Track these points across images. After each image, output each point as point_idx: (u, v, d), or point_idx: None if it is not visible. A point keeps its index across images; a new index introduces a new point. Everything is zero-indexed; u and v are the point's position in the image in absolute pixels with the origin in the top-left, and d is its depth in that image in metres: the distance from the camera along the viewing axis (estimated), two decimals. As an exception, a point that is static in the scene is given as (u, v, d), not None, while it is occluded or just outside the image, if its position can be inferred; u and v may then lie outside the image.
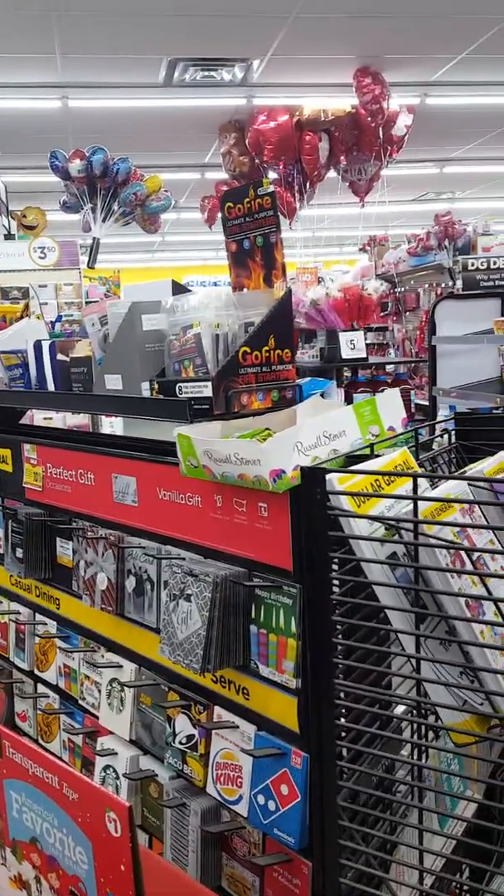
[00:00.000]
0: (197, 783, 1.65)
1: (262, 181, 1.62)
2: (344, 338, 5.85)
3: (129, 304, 1.71)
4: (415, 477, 1.02)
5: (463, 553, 1.07)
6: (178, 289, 1.82)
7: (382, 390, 6.22)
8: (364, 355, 5.90)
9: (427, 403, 5.05)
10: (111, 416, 3.72)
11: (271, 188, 1.61)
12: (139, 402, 1.73)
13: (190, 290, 1.79)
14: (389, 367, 6.68)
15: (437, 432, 1.54)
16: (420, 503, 1.06)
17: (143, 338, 1.70)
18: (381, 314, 8.84)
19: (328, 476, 1.05)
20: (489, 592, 1.01)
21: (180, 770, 1.69)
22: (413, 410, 6.28)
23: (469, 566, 1.07)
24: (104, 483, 1.92)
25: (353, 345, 5.93)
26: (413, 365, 7.41)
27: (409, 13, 5.33)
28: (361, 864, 1.11)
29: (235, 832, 1.60)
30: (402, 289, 8.95)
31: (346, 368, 6.19)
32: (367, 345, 7.06)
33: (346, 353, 5.84)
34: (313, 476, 1.02)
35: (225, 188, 8.30)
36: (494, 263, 6.30)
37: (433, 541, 0.99)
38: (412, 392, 6.41)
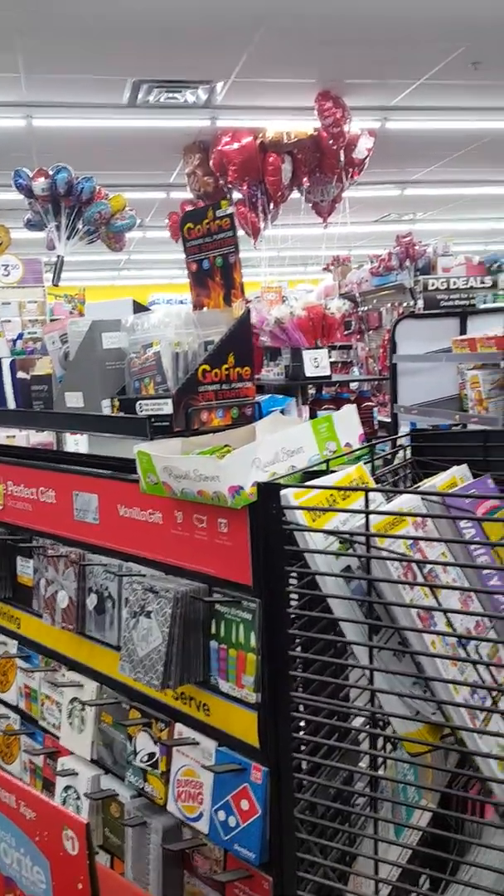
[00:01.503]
0: (158, 801, 1.65)
1: (220, 203, 1.66)
2: (308, 356, 5.91)
3: (90, 322, 1.72)
4: (366, 491, 1.05)
5: (415, 565, 1.10)
6: (139, 308, 1.84)
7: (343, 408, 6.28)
8: (328, 373, 5.97)
9: (389, 420, 5.12)
10: (74, 434, 3.71)
11: (230, 210, 1.64)
12: (100, 419, 1.74)
13: (150, 310, 1.81)
14: (353, 385, 6.76)
15: (392, 448, 1.57)
16: (373, 517, 1.09)
17: (103, 356, 1.71)
18: (345, 332, 8.97)
19: (284, 491, 1.07)
20: (439, 604, 1.04)
21: (141, 788, 1.69)
22: (376, 427, 6.35)
23: (421, 578, 1.09)
24: (65, 501, 1.92)
25: (316, 363, 6.00)
26: (376, 382, 7.51)
27: (368, 39, 5.46)
28: (320, 877, 1.12)
29: (197, 849, 1.59)
30: (365, 308, 9.09)
31: (310, 386, 6.25)
32: (331, 363, 7.15)
33: (309, 370, 5.90)
34: (269, 491, 1.04)
35: (190, 207, 8.36)
36: (454, 283, 6.45)
37: (384, 553, 1.01)
38: (375, 409, 6.49)
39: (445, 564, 1.09)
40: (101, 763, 1.85)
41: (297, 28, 5.22)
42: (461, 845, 1.14)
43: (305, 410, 6.02)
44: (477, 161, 8.61)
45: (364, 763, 1.30)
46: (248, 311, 1.69)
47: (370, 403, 6.49)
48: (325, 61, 5.87)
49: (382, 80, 6.29)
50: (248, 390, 1.70)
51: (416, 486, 1.43)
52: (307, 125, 6.74)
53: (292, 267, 12.50)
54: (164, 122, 6.86)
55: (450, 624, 1.03)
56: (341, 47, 5.59)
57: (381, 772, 1.27)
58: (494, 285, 6.63)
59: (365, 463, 1.45)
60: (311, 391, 6.30)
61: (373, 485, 1.29)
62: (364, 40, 5.47)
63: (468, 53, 5.77)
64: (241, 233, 7.52)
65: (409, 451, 1.63)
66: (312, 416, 5.93)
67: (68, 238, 6.05)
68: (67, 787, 1.89)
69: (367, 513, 1.03)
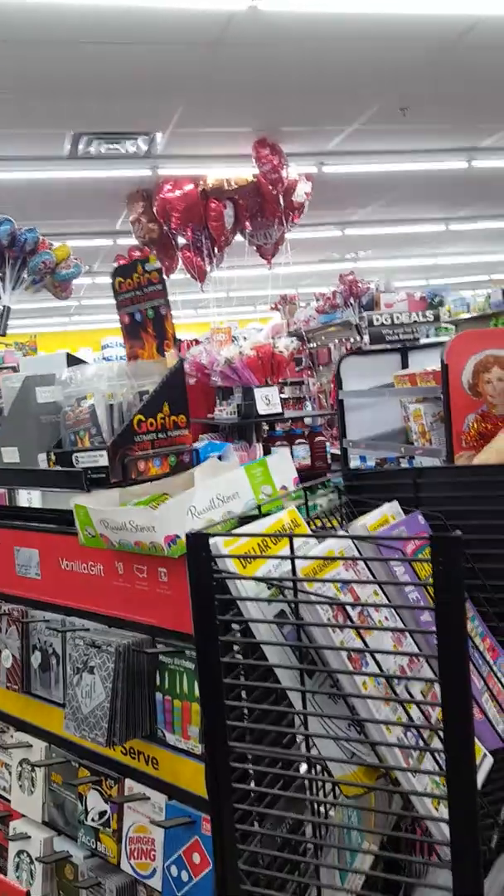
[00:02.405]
0: (111, 860, 1.62)
1: (149, 258, 1.69)
2: (259, 394, 5.98)
3: (23, 377, 1.73)
4: (290, 537, 1.06)
5: (348, 607, 1.11)
6: (73, 361, 1.85)
7: (299, 443, 6.32)
8: (279, 410, 6.04)
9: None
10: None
11: (157, 264, 1.68)
12: (37, 473, 1.74)
13: (84, 362, 1.83)
14: (306, 420, 6.84)
15: (327, 490, 1.60)
16: (302, 561, 1.10)
17: (38, 410, 1.71)
18: (297, 369, 9.10)
19: (213, 540, 1.09)
20: (366, 644, 1.05)
21: (94, 848, 1.65)
22: (329, 461, 6.42)
23: (355, 619, 1.11)
24: (7, 556, 1.90)
25: (268, 400, 6.07)
26: (328, 417, 7.61)
27: (299, 89, 5.66)
28: (270, 929, 1.11)
29: (151, 909, 1.56)
30: (315, 344, 9.25)
31: (263, 423, 6.31)
32: (283, 399, 7.24)
33: (262, 408, 5.96)
34: (197, 541, 1.06)
35: (137, 254, 8.44)
36: (398, 318, 6.60)
37: (312, 598, 1.03)
38: (327, 443, 6.57)
39: (369, 605, 1.11)
40: (53, 824, 1.80)
41: (229, 79, 5.38)
42: (408, 886, 1.14)
43: (259, 448, 6.07)
44: (412, 201, 8.91)
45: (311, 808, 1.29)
46: (181, 361, 1.71)
47: (323, 438, 6.58)
48: (259, 111, 6.05)
49: (316, 127, 6.50)
50: (185, 438, 1.72)
51: (349, 525, 1.45)
52: (247, 172, 6.90)
53: (241, 307, 12.67)
54: (105, 172, 6.95)
55: (378, 664, 1.04)
56: (274, 97, 5.78)
57: (330, 815, 1.27)
58: (436, 318, 6.81)
59: (299, 506, 1.47)
60: (265, 428, 6.36)
61: (305, 528, 1.31)
62: (296, 89, 5.66)
63: (396, 100, 6.01)
64: (186, 276, 7.62)
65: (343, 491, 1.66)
66: (266, 452, 5.98)
67: (13, 288, 6.04)
68: (20, 852, 1.84)
69: (293, 558, 1.05)
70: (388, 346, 5.16)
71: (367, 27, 4.77)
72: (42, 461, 1.71)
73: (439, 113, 6.39)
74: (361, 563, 1.23)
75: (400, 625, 1.19)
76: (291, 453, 6.06)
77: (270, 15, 4.47)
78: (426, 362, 4.00)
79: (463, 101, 6.21)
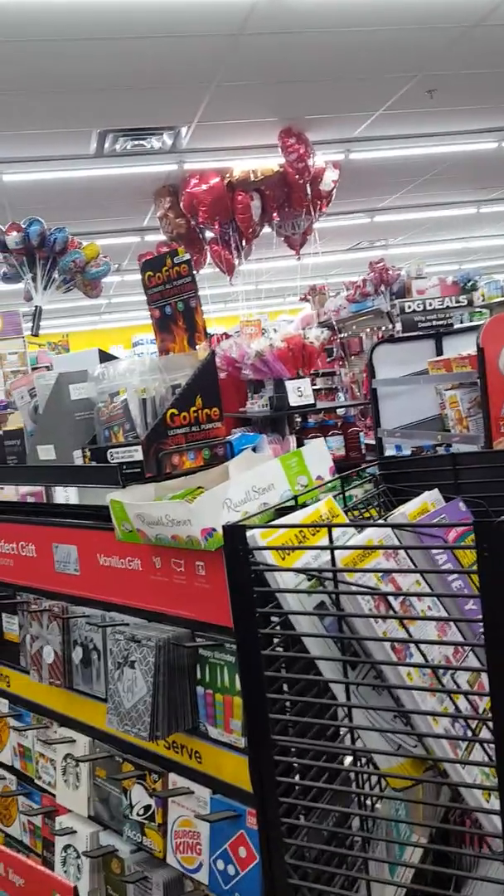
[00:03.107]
0: (157, 854, 1.62)
1: (178, 250, 1.68)
2: (291, 386, 5.94)
3: (56, 374, 1.74)
4: (329, 527, 1.05)
5: (390, 597, 1.09)
6: (106, 357, 1.85)
7: (333, 434, 6.29)
8: (312, 401, 5.99)
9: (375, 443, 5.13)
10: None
11: (187, 256, 1.67)
12: (72, 470, 1.74)
13: (117, 358, 1.83)
14: (339, 411, 6.79)
15: (364, 479, 1.58)
16: (343, 551, 1.09)
17: (71, 407, 1.72)
18: (328, 360, 9.04)
19: (250, 532, 1.07)
20: (410, 634, 1.03)
21: (140, 843, 1.66)
22: (363, 451, 6.37)
23: (397, 609, 1.09)
24: (46, 553, 1.91)
25: (300, 392, 6.03)
26: (361, 407, 7.54)
27: (324, 76, 5.60)
28: (319, 923, 1.09)
29: (199, 902, 1.56)
30: (346, 334, 9.17)
31: (296, 415, 6.27)
32: (315, 390, 7.18)
33: (294, 400, 5.93)
34: (234, 533, 1.04)
35: (166, 249, 8.47)
36: (430, 305, 6.52)
37: (353, 588, 1.01)
38: (361, 433, 6.51)
39: (410, 595, 1.08)
40: (99, 819, 1.81)
41: (253, 69, 5.34)
42: (459, 878, 1.12)
43: (293, 440, 6.04)
44: (441, 184, 8.77)
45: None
46: (212, 353, 1.70)
47: (356, 428, 6.52)
48: (283, 99, 6.00)
49: (342, 114, 6.43)
50: (219, 430, 1.71)
51: (388, 514, 1.43)
52: (273, 162, 6.86)
53: (271, 299, 12.63)
54: (132, 168, 6.97)
55: (423, 654, 1.02)
56: (298, 85, 5.73)
57: (376, 808, 1.25)
58: (470, 303, 6.71)
59: (336, 496, 1.45)
60: (298, 420, 6.33)
61: (343, 518, 1.29)
62: (320, 76, 5.60)
63: (422, 82, 5.91)
64: (216, 270, 7.61)
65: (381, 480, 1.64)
66: (300, 444, 5.95)
67: (45, 288, 6.09)
68: (67, 847, 1.85)
69: (332, 548, 1.03)
70: (421, 333, 5.09)
71: (390, 10, 4.69)
72: (77, 458, 1.71)
73: (467, 94, 6.27)
74: (402, 553, 1.20)
75: (443, 614, 1.17)
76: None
77: (292, 2, 4.42)
78: (461, 348, 3.93)
79: (490, 81, 6.08)
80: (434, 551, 1.22)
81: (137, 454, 1.58)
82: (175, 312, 1.75)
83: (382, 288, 7.67)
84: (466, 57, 5.55)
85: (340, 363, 9.21)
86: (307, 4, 4.49)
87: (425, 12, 4.78)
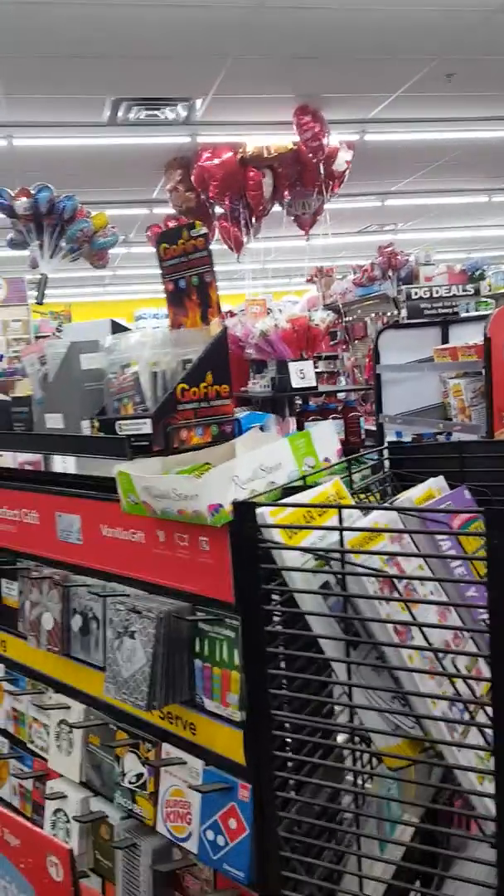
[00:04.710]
0: (147, 822, 1.64)
1: (194, 223, 1.67)
2: (293, 367, 5.93)
3: (68, 343, 1.73)
4: (339, 508, 1.05)
5: (394, 580, 1.10)
6: (118, 328, 1.85)
7: (333, 417, 6.29)
8: (314, 384, 5.99)
9: (375, 429, 5.14)
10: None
11: (204, 230, 1.66)
12: (79, 440, 1.74)
13: (129, 330, 1.82)
14: (340, 395, 6.78)
15: (369, 463, 1.58)
16: (349, 533, 1.10)
17: (82, 376, 1.72)
18: (331, 343, 9.01)
19: (260, 510, 1.08)
20: (413, 617, 1.04)
21: (130, 810, 1.68)
22: (363, 437, 6.37)
23: (399, 592, 1.10)
24: (48, 522, 1.92)
25: (302, 374, 6.02)
26: (362, 392, 7.54)
27: (343, 55, 5.53)
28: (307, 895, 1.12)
29: (187, 870, 1.59)
30: (350, 318, 9.14)
31: (296, 397, 6.27)
32: (317, 373, 7.17)
33: (296, 382, 5.92)
34: (244, 510, 1.05)
35: (173, 223, 8.41)
36: (437, 292, 6.49)
37: (358, 569, 1.02)
38: (361, 418, 6.51)
39: (417, 578, 1.09)
40: (90, 785, 1.84)
41: (272, 43, 5.28)
42: (447, 859, 1.14)
43: (292, 422, 6.04)
44: (454, 171, 8.71)
45: (349, 779, 1.30)
46: (224, 329, 1.70)
47: (357, 413, 6.52)
48: (301, 76, 5.93)
49: (359, 94, 6.37)
50: (227, 407, 1.71)
51: (392, 499, 1.44)
52: (287, 139, 6.79)
53: (277, 279, 12.57)
54: (144, 139, 6.90)
55: (426, 637, 1.03)
56: (317, 62, 5.66)
57: (367, 787, 1.28)
58: (477, 293, 6.69)
59: (342, 478, 1.46)
60: (298, 402, 6.33)
61: (349, 500, 1.30)
62: (339, 54, 5.54)
63: (442, 65, 5.85)
64: (224, 246, 7.57)
65: (387, 464, 1.64)
66: (300, 427, 5.95)
67: (51, 256, 6.07)
68: (57, 811, 1.88)
69: (341, 529, 1.04)
70: (427, 321, 5.08)
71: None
72: (86, 428, 1.71)
73: (486, 80, 6.21)
74: (407, 537, 1.21)
75: (444, 599, 1.18)
76: (325, 427, 6.00)
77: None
78: (466, 337, 3.93)
79: (511, 67, 6.02)
80: (438, 537, 1.23)
81: (146, 427, 1.58)
82: (189, 286, 1.74)
83: (390, 273, 7.65)
84: (487, 43, 5.49)
85: (344, 347, 9.19)
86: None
87: (450, -6, 4.72)
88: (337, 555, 1.05)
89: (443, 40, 5.40)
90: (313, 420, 6.21)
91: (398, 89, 6.28)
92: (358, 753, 1.21)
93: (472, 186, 9.65)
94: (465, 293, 6.44)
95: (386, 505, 1.23)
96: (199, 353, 1.66)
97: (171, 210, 8.20)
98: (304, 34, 5.17)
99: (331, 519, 1.21)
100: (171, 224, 8.45)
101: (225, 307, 8.60)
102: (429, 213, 10.85)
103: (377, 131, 7.09)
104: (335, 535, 1.13)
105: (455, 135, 7.30)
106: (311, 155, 6.66)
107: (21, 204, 5.71)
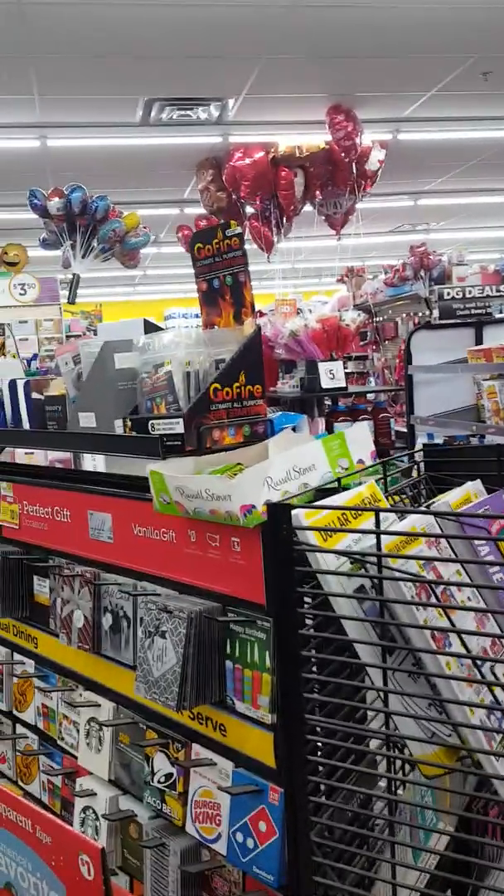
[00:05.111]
0: (176, 822, 1.64)
1: (230, 223, 1.66)
2: (323, 368, 5.90)
3: (102, 343, 1.74)
4: (377, 511, 1.04)
5: (428, 585, 1.09)
6: (151, 327, 1.85)
7: (363, 418, 6.25)
8: (343, 385, 5.95)
9: (406, 431, 5.10)
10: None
11: (239, 229, 1.65)
12: (112, 439, 1.75)
13: (162, 329, 1.82)
14: (370, 396, 6.73)
15: (406, 465, 1.56)
16: (385, 537, 1.08)
17: (115, 376, 1.72)
18: (361, 343, 8.96)
19: (295, 511, 1.07)
20: (452, 624, 1.02)
21: (159, 809, 1.68)
22: (393, 438, 6.32)
23: (435, 598, 1.08)
24: (80, 520, 1.93)
25: (332, 374, 5.98)
26: (393, 393, 7.48)
27: (378, 52, 5.49)
28: (338, 901, 1.11)
29: (215, 871, 1.58)
30: (381, 318, 9.08)
31: (326, 398, 6.23)
32: (347, 374, 7.13)
33: (325, 382, 5.89)
34: (279, 512, 1.04)
35: (204, 223, 8.42)
36: (469, 293, 6.41)
37: (396, 574, 1.00)
38: (392, 420, 6.45)
39: (456, 585, 1.07)
40: (119, 783, 1.84)
41: (306, 42, 5.25)
42: (481, 869, 1.12)
43: (322, 423, 6.01)
44: (489, 170, 8.60)
45: (383, 784, 1.28)
46: (258, 329, 1.69)
47: (387, 414, 6.47)
48: (334, 75, 5.90)
49: (393, 92, 6.31)
50: (260, 408, 1.70)
51: (429, 502, 1.42)
52: (319, 139, 6.76)
53: (307, 279, 12.52)
54: (176, 139, 6.92)
55: (463, 644, 1.01)
56: (351, 61, 5.62)
57: (399, 794, 1.26)
58: (510, 293, 6.57)
59: (377, 480, 1.44)
60: (328, 403, 6.30)
61: (385, 503, 1.28)
62: (373, 53, 5.50)
63: (478, 64, 5.78)
64: (254, 246, 7.56)
65: (422, 467, 1.62)
66: (329, 428, 5.92)
67: (83, 256, 6.10)
68: (86, 808, 1.89)
69: (378, 533, 1.02)
70: (460, 321, 5.01)
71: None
72: (118, 427, 1.72)
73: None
74: (444, 542, 1.19)
75: (482, 605, 1.16)
76: (355, 428, 5.96)
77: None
78: (500, 338, 3.87)
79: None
80: (476, 543, 1.21)
81: (179, 427, 1.58)
82: (223, 286, 1.73)
83: (422, 273, 7.57)
84: (525, 39, 5.41)
85: (374, 347, 9.13)
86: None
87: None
88: (373, 559, 1.03)
89: (478, 38, 5.33)
90: (343, 421, 6.17)
91: (433, 88, 6.22)
92: (391, 759, 1.19)
93: (505, 185, 9.53)
94: (498, 294, 6.35)
95: (422, 509, 1.21)
96: (232, 352, 1.66)
97: (201, 210, 8.21)
98: (337, 33, 5.14)
99: (366, 522, 1.20)
100: (203, 224, 8.47)
101: (256, 306, 8.60)
102: (462, 213, 10.73)
103: (411, 130, 7.03)
104: (370, 539, 1.12)
105: (491, 133, 7.21)
106: (343, 154, 6.63)
107: (54, 204, 5.74)
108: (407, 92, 6.32)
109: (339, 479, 1.33)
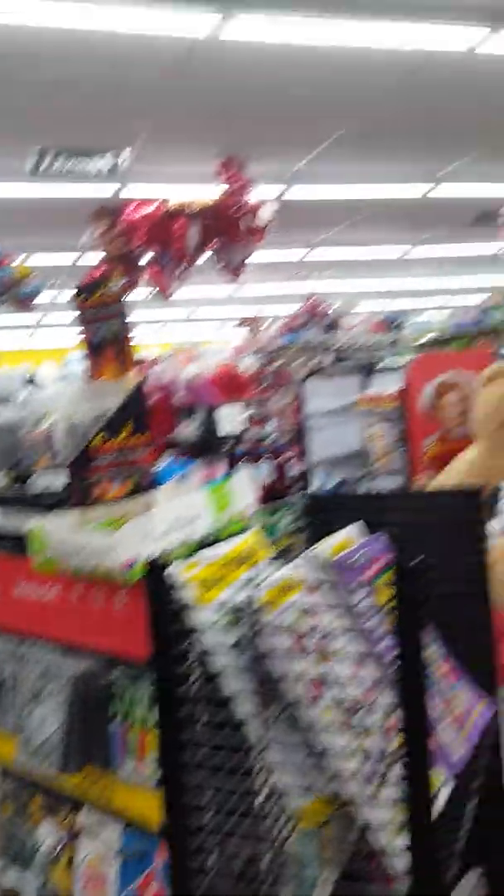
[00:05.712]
0: (63, 895, 1.57)
1: (111, 277, 1.68)
2: (222, 413, 5.97)
3: (-20, 397, 1.70)
4: (246, 564, 1.06)
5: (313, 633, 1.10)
6: (34, 380, 1.82)
7: (266, 459, 6.29)
8: (242, 429, 6.03)
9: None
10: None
11: (120, 283, 1.67)
12: (-8, 495, 1.70)
13: (38, 386, 1.80)
14: (268, 440, 6.84)
15: (285, 514, 1.60)
16: (264, 586, 1.10)
17: (-5, 430, 1.68)
18: (260, 387, 9.13)
19: (171, 567, 1.07)
20: (329, 674, 1.04)
21: (44, 883, 1.60)
22: (291, 480, 6.42)
23: (315, 645, 1.10)
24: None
25: (231, 419, 6.06)
26: (291, 436, 7.63)
27: (264, 114, 5.75)
28: None
29: (105, 945, 1.51)
30: (278, 364, 9.29)
31: (226, 442, 6.27)
32: (248, 417, 7.24)
33: (225, 427, 5.95)
34: (153, 569, 1.04)
35: (102, 270, 8.40)
36: (357, 341, 6.69)
37: (269, 627, 1.02)
38: (290, 462, 6.57)
39: (323, 634, 1.10)
40: (6, 857, 1.74)
41: (195, 102, 5.43)
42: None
43: (222, 467, 6.04)
44: (374, 225, 9.06)
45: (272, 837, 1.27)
46: (143, 380, 1.70)
47: (288, 455, 6.58)
48: (224, 133, 6.11)
49: (281, 151, 6.59)
50: (146, 458, 1.70)
51: (311, 548, 1.45)
52: (212, 192, 6.94)
53: (204, 326, 12.69)
54: (69, 191, 6.94)
55: (339, 693, 1.03)
56: (239, 121, 5.85)
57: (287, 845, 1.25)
58: (395, 342, 6.91)
59: (262, 527, 1.46)
60: (228, 446, 6.35)
61: (267, 551, 1.30)
62: (260, 114, 5.75)
63: (359, 126, 6.13)
64: (149, 295, 7.61)
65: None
66: (230, 470, 5.96)
67: (-27, 303, 5.97)
68: (-32, 887, 1.77)
69: (250, 585, 1.04)
70: (350, 368, 5.21)
71: (330, 57, 4.86)
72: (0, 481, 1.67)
73: (400, 141, 6.54)
74: (325, 588, 1.22)
75: (361, 650, 1.19)
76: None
77: (232, 44, 4.53)
78: (387, 384, 4.04)
79: (422, 130, 6.36)
80: (352, 588, 1.24)
81: (60, 481, 1.55)
82: (106, 338, 1.74)
83: (315, 321, 7.84)
84: (400, 106, 5.80)
85: (272, 392, 9.32)
86: (246, 46, 4.62)
87: (362, 62, 4.98)
88: (249, 609, 1.05)
89: (358, 103, 5.67)
90: (243, 463, 6.24)
91: (317, 147, 6.53)
92: (276, 812, 1.19)
93: (390, 239, 10.04)
94: (384, 343, 6.66)
95: (295, 559, 1.24)
96: (116, 404, 1.65)
97: (100, 255, 8.21)
98: (226, 95, 5.35)
99: (248, 572, 1.21)
100: (98, 273, 8.46)
101: (152, 354, 8.63)
102: (351, 265, 11.20)
103: (299, 187, 7.33)
104: (250, 590, 1.13)
105: (372, 193, 7.64)
106: (235, 209, 6.82)
107: None
108: (293, 151, 6.62)
109: (219, 530, 1.34)
